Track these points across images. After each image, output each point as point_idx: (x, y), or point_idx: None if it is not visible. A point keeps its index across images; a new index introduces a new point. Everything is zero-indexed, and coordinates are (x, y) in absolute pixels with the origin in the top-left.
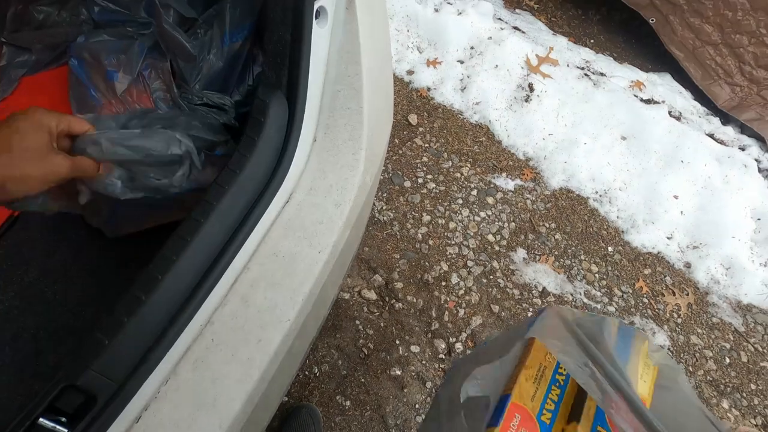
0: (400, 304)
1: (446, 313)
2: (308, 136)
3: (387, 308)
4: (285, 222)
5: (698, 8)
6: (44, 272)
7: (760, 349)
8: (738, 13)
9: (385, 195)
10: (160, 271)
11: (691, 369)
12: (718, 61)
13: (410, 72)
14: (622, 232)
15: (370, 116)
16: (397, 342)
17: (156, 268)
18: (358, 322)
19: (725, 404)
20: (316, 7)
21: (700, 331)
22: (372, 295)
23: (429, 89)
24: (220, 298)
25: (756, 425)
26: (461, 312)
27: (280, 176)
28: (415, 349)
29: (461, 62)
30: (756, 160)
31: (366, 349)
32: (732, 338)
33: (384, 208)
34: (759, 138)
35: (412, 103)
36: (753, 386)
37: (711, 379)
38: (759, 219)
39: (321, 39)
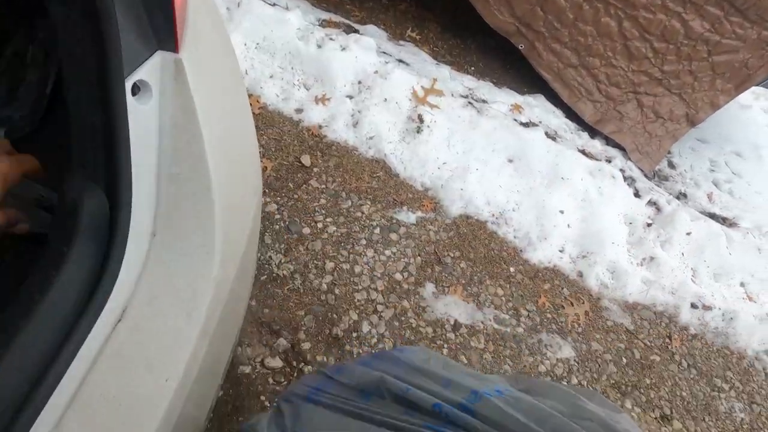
0: (310, 366)
1: None
2: (144, 233)
3: (296, 375)
4: (116, 349)
5: (557, 35)
6: None
7: (648, 343)
8: (588, 38)
9: (283, 246)
10: None
11: (595, 376)
12: (579, 81)
13: (299, 110)
14: (520, 251)
15: (224, 194)
16: None
17: None
18: (263, 398)
19: (628, 404)
20: (133, 81)
21: (598, 336)
22: (277, 362)
23: (320, 126)
24: None
25: (655, 418)
26: None
27: (104, 291)
28: None
29: (350, 97)
30: (621, 170)
31: None
32: (625, 338)
33: (283, 261)
34: (621, 148)
35: (304, 143)
36: (648, 381)
37: (613, 381)
38: (630, 223)
39: (146, 117)
